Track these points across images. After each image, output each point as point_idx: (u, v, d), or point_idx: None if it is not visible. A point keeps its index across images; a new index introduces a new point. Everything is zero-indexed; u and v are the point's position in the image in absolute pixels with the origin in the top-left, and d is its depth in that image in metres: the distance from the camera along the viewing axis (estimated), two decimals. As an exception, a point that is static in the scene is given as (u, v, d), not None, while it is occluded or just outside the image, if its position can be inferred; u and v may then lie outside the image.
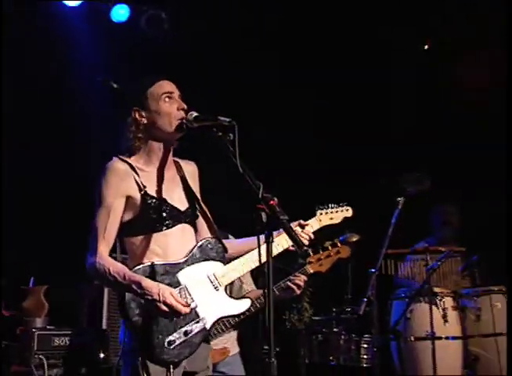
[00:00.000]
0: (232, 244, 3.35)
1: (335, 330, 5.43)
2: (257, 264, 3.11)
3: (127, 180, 3.01)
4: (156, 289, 2.88)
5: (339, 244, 4.12)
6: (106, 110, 5.07)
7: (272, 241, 2.60)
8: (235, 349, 4.44)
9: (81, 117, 6.17)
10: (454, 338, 5.21)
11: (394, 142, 6.69)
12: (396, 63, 6.67)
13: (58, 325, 5.02)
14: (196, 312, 3.01)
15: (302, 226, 3.27)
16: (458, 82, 6.50)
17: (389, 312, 5.46)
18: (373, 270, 4.83)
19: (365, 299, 4.71)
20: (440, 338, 5.10)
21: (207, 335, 3.08)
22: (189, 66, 6.12)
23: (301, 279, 4.23)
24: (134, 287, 2.88)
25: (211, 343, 4.19)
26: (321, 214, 3.54)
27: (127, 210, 3.02)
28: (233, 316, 3.22)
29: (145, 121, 3.08)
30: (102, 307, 5.23)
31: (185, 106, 3.06)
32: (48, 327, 4.95)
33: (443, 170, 6.16)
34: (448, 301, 5.28)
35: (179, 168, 3.21)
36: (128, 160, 3.07)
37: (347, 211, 3.68)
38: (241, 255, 3.23)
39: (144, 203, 3.00)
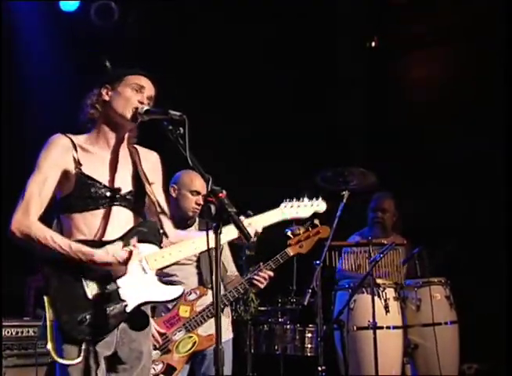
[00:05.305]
0: (178, 233, 3.31)
1: (280, 320, 5.51)
2: (197, 252, 3.13)
3: (66, 154, 3.04)
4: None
5: (318, 225, 4.10)
6: (56, 99, 5.02)
7: (221, 233, 2.64)
8: (225, 336, 4.32)
9: (30, 105, 6.10)
10: (395, 327, 5.35)
11: (341, 137, 6.82)
12: (344, 61, 6.80)
13: (5, 316, 4.97)
14: (118, 293, 2.94)
15: None
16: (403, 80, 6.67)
17: (333, 303, 5.56)
18: (317, 262, 4.94)
19: (310, 290, 4.82)
20: (381, 328, 5.22)
21: (126, 318, 2.96)
22: (139, 56, 6.11)
23: (265, 275, 4.27)
24: (80, 255, 2.89)
25: (199, 330, 4.16)
26: (285, 206, 3.38)
27: (63, 185, 3.03)
28: (159, 303, 3.07)
29: (106, 98, 3.12)
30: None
31: (146, 103, 3.09)
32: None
33: (390, 165, 6.30)
34: (390, 292, 5.41)
35: (135, 154, 3.21)
36: (71, 136, 3.10)
37: (318, 206, 3.48)
38: None
39: (78, 180, 3.01)
